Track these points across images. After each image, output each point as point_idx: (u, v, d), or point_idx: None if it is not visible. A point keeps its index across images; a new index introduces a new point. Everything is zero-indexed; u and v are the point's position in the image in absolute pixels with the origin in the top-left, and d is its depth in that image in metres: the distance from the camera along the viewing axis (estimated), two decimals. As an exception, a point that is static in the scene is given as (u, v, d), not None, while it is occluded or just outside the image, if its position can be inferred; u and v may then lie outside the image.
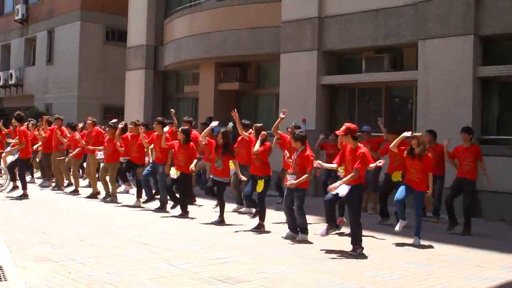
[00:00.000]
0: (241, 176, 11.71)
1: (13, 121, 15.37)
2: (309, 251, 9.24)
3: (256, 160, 10.98)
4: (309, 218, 10.45)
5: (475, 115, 14.03)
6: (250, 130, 12.80)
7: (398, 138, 10.49)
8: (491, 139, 14.31)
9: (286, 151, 10.84)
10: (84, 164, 16.89)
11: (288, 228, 10.37)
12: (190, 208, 12.79)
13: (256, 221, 11.11)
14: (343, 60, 18.07)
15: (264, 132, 11.20)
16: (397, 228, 10.25)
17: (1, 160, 17.49)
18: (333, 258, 8.76)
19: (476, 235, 11.29)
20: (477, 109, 14.18)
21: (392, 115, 16.68)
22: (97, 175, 15.76)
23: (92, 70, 30.97)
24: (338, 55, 17.86)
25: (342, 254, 9.06)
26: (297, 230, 10.22)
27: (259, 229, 10.92)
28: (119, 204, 14.03)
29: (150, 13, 25.27)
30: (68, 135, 16.52)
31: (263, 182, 10.86)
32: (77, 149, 15.92)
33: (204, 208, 13.17)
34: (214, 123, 12.48)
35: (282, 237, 10.31)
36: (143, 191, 13.75)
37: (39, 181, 18.14)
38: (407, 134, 10.35)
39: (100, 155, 14.73)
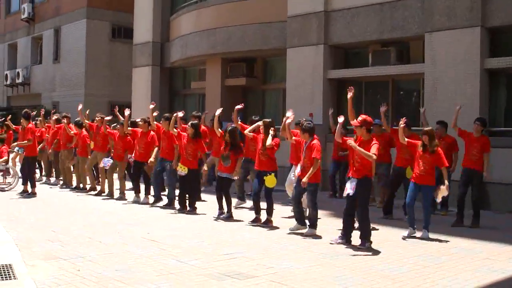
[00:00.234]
0: (236, 174, 11.77)
1: (22, 120, 15.35)
2: (318, 246, 9.24)
3: (263, 155, 10.96)
4: (324, 213, 10.43)
5: (483, 107, 13.98)
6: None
7: (400, 129, 10.38)
8: (498, 131, 14.24)
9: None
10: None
11: (295, 220, 10.39)
12: (197, 204, 12.79)
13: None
14: (349, 54, 18.03)
15: (273, 127, 11.14)
16: (405, 234, 10.18)
17: (9, 160, 17.54)
18: (342, 253, 8.75)
19: (484, 228, 11.26)
20: (484, 101, 14.12)
21: (399, 108, 16.62)
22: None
23: (98, 67, 30.97)
24: (344, 49, 17.81)
25: (351, 248, 9.06)
26: (304, 222, 10.23)
27: (267, 224, 10.92)
28: (127, 202, 14.05)
29: (156, 9, 25.24)
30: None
31: (273, 176, 10.85)
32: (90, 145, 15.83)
33: (210, 204, 13.17)
34: (218, 110, 12.52)
35: (289, 228, 10.33)
36: (152, 189, 13.77)
37: (51, 179, 18.16)
38: (402, 124, 10.27)
39: (104, 163, 14.58)
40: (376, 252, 8.83)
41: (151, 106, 14.18)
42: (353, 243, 9.27)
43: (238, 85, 21.33)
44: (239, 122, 12.73)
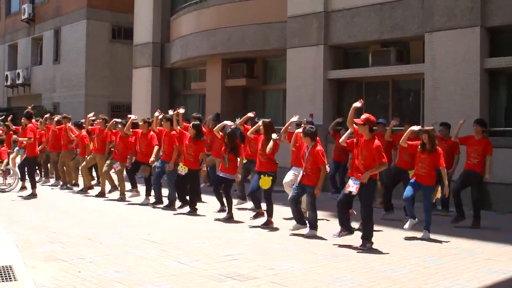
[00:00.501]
0: (238, 176, 11.83)
1: (22, 119, 15.36)
2: (318, 247, 9.23)
3: (262, 156, 10.95)
4: (318, 214, 10.41)
5: (483, 107, 13.97)
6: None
7: (406, 132, 10.44)
8: (499, 131, 14.24)
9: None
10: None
11: (294, 219, 10.40)
12: (198, 205, 12.79)
13: (259, 221, 11.16)
14: (349, 54, 18.03)
15: (274, 132, 11.11)
16: (406, 226, 10.21)
17: (10, 160, 17.53)
18: (343, 254, 8.74)
19: (485, 228, 11.25)
20: (485, 101, 14.11)
21: (399, 109, 16.62)
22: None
23: (98, 68, 30.99)
24: (344, 49, 17.82)
25: (352, 249, 9.05)
26: (304, 221, 10.24)
27: (268, 225, 10.91)
28: (127, 203, 14.04)
29: (156, 10, 25.25)
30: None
31: (270, 178, 10.85)
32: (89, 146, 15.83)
33: (211, 205, 13.17)
34: (228, 123, 12.57)
35: (289, 229, 10.33)
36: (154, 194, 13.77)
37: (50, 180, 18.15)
38: (415, 128, 10.33)
39: (115, 167, 14.54)
40: (377, 253, 8.82)
41: (156, 114, 14.25)
42: (354, 244, 9.26)
43: (238, 86, 21.33)
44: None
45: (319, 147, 10.00)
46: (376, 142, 9.07)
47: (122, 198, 14.37)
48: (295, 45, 17.94)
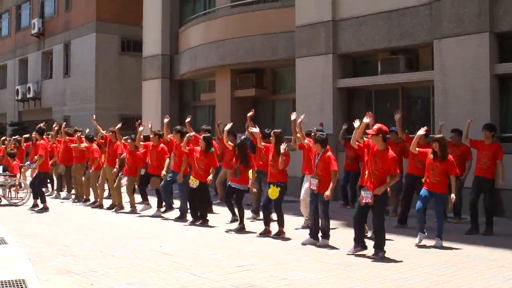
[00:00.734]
0: (253, 188, 11.89)
1: (33, 134, 15.43)
2: (331, 256, 9.20)
3: (273, 167, 10.94)
4: (330, 223, 10.39)
5: (493, 113, 13.91)
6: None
7: (415, 137, 10.41)
8: (510, 137, 14.16)
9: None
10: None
11: (309, 234, 10.33)
12: (209, 216, 12.78)
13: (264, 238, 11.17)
14: (358, 62, 18.02)
15: (284, 144, 11.06)
16: (417, 241, 10.14)
17: (21, 174, 17.59)
18: (356, 263, 8.71)
19: (498, 235, 11.18)
20: (495, 107, 14.06)
21: (409, 116, 16.58)
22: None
23: (108, 81, 31.15)
24: (353, 57, 17.81)
25: (365, 258, 9.01)
26: (318, 237, 10.17)
27: (280, 235, 10.88)
28: (138, 215, 14.06)
29: (164, 22, 25.34)
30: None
31: (278, 189, 10.82)
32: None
33: (222, 216, 13.16)
34: (228, 126, 12.51)
35: (301, 243, 10.27)
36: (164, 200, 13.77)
37: (63, 194, 18.18)
38: (422, 132, 10.28)
39: (123, 182, 14.59)
40: (390, 262, 8.78)
41: (166, 120, 14.27)
42: (367, 253, 9.23)
43: (247, 96, 21.35)
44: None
45: (329, 153, 9.99)
46: (391, 152, 9.06)
47: (133, 211, 14.38)
48: (303, 55, 17.95)
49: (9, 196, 16.40)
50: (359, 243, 9.38)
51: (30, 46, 37.42)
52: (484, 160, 11.44)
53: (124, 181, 14.44)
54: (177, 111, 25.49)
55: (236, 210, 11.89)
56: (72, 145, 16.76)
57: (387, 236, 9.48)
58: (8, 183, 16.25)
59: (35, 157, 15.34)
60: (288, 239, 10.73)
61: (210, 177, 12.22)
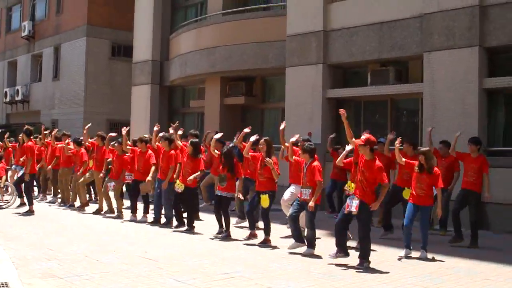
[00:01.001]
0: (240, 195, 11.95)
1: (20, 136, 15.34)
2: (316, 265, 9.20)
3: (262, 176, 10.96)
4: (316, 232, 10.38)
5: (481, 127, 13.98)
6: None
7: (395, 149, 10.45)
8: (497, 151, 14.23)
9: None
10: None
11: (293, 237, 10.35)
12: (195, 223, 12.74)
13: (256, 239, 11.18)
14: (348, 73, 18.07)
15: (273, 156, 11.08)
16: (402, 254, 10.12)
17: (7, 177, 17.48)
18: (340, 273, 8.70)
19: (483, 248, 11.22)
20: (483, 121, 14.13)
21: (398, 128, 16.61)
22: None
23: (98, 85, 31.04)
24: (343, 68, 17.85)
25: (349, 268, 9.01)
26: (302, 239, 10.20)
27: (265, 243, 10.88)
28: (124, 220, 14.00)
29: (155, 28, 25.31)
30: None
31: (267, 197, 10.85)
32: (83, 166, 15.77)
33: (208, 223, 13.13)
34: (218, 135, 12.49)
35: (287, 248, 10.28)
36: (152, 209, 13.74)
37: (49, 197, 18.12)
38: (397, 144, 10.32)
39: (109, 186, 14.59)
40: (374, 272, 8.79)
41: (156, 128, 14.24)
42: (351, 263, 9.23)
43: (237, 104, 21.36)
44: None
45: (316, 163, 10.02)
46: (377, 162, 9.11)
47: (119, 216, 14.33)
48: (294, 64, 17.98)
49: (-5, 199, 16.31)
50: (342, 250, 9.39)
51: (19, 49, 37.24)
52: (471, 173, 11.49)
53: (111, 184, 14.41)
54: (166, 117, 25.42)
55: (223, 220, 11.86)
56: (60, 145, 16.74)
57: (373, 246, 9.48)
58: (-7, 185, 16.17)
59: (21, 159, 15.22)
60: (274, 247, 10.73)
61: (192, 177, 12.17)
